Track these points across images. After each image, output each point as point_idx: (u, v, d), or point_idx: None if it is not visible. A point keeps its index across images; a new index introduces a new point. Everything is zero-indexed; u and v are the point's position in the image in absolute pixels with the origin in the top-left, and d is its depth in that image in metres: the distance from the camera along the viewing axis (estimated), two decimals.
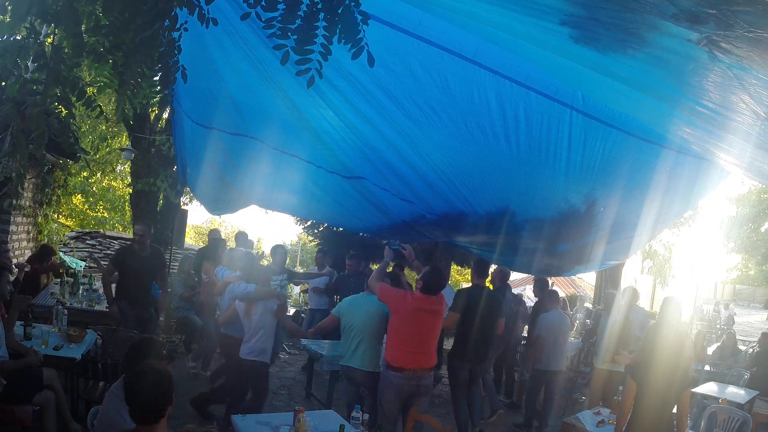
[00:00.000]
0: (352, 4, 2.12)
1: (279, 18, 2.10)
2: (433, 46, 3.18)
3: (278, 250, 7.01)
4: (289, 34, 2.12)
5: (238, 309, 4.77)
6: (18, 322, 4.58)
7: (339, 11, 2.09)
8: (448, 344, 7.56)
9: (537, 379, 6.31)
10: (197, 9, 2.29)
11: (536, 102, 3.55)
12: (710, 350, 9.23)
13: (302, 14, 2.10)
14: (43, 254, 7.42)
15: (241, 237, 7.82)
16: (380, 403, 4.36)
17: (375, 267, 8.93)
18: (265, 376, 4.89)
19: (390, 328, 4.36)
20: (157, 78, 2.52)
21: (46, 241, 8.96)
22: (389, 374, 4.23)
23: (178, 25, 2.39)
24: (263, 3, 2.08)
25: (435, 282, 4.34)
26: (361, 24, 2.15)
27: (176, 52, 2.47)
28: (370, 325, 4.45)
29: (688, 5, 1.36)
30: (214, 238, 7.72)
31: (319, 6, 2.10)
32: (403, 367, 4.19)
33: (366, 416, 3.83)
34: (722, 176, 4.97)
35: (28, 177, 7.57)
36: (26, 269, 7.15)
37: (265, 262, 7.04)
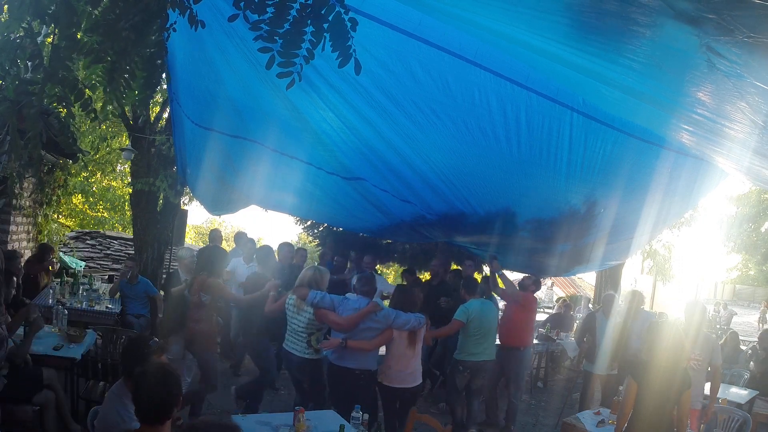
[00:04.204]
0: (342, 10, 2.10)
1: (267, 21, 2.07)
2: (433, 47, 3.16)
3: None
4: (277, 38, 2.08)
5: (400, 340, 4.36)
6: None
7: (329, 18, 2.05)
8: None
9: None
10: (188, 11, 2.28)
11: (537, 103, 3.54)
12: None
13: (291, 19, 2.07)
14: (43, 254, 7.39)
15: (254, 241, 7.12)
16: (523, 376, 6.24)
17: (379, 268, 8.97)
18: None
19: (518, 319, 5.98)
20: (144, 78, 2.49)
21: (46, 241, 8.94)
22: (528, 352, 6.18)
23: (167, 25, 2.37)
24: (252, 5, 2.05)
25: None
26: (350, 31, 2.12)
27: (164, 52, 2.46)
28: (495, 325, 5.53)
29: (688, 9, 1.35)
30: (212, 246, 6.14)
31: (309, 11, 2.06)
32: (528, 345, 6.14)
33: (366, 416, 3.81)
34: (722, 176, 4.96)
35: (27, 177, 7.55)
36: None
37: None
